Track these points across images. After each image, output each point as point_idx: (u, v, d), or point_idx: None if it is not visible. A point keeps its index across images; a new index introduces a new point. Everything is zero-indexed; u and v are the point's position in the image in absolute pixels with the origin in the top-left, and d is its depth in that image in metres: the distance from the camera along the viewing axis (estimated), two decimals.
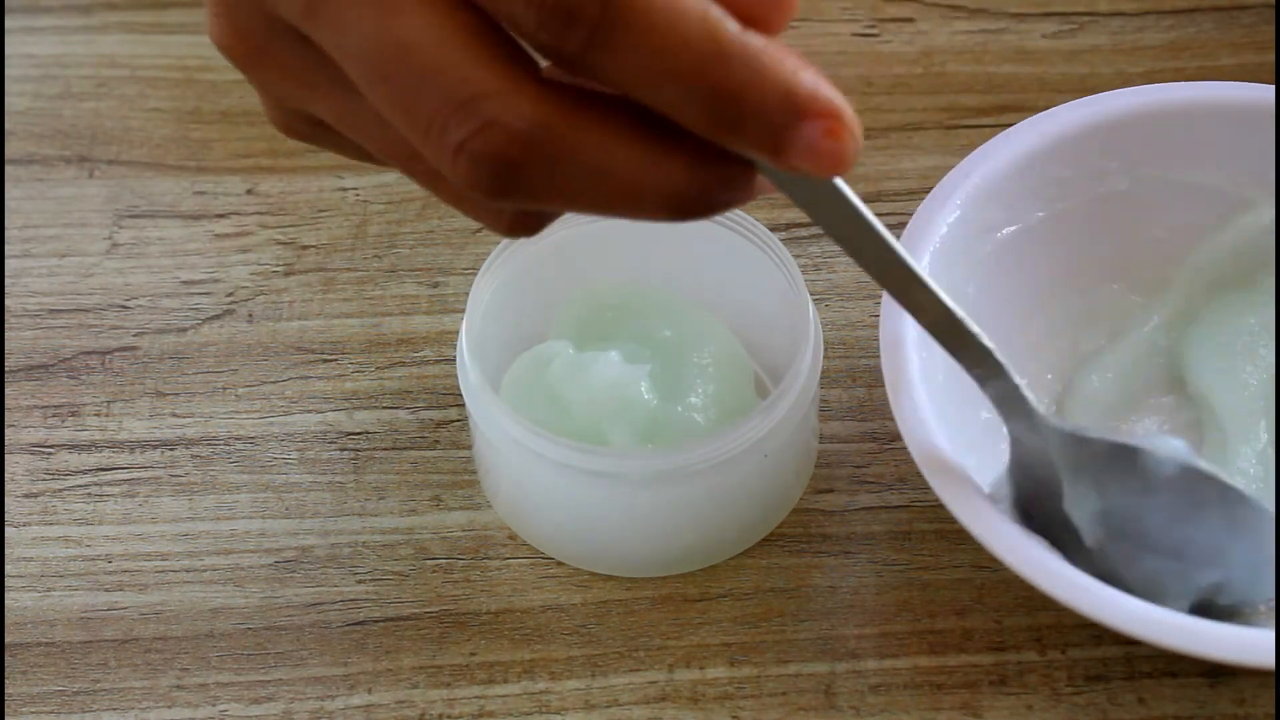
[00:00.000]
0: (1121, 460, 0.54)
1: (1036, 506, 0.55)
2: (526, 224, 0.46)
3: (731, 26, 0.41)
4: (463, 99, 0.42)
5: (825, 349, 0.60)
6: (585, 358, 0.58)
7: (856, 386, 0.63)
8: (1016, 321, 0.61)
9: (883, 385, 0.55)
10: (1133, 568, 0.54)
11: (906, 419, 0.55)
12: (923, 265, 0.58)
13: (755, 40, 0.41)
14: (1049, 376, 0.61)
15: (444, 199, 0.47)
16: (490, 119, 0.42)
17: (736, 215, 0.60)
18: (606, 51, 0.41)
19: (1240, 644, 0.51)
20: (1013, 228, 0.60)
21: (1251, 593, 0.55)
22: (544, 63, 0.43)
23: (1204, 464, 0.54)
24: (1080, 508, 0.54)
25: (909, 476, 0.60)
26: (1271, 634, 0.51)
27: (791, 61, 0.42)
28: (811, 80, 0.42)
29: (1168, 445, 0.54)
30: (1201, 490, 0.54)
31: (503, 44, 0.43)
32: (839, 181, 0.45)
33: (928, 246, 0.58)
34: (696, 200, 0.43)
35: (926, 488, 0.54)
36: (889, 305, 0.57)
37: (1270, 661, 0.51)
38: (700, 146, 0.43)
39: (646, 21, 0.41)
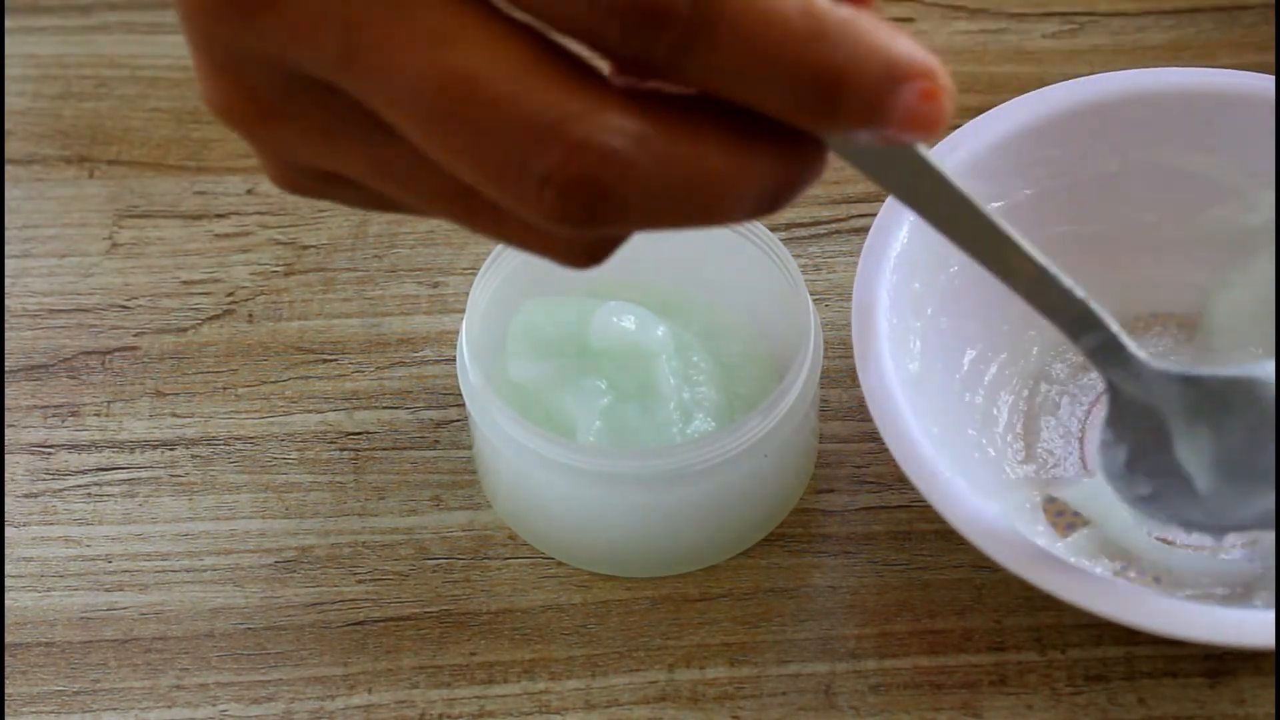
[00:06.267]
0: (1237, 392, 0.52)
1: (1144, 461, 0.54)
2: (602, 251, 0.42)
3: (825, 3, 0.38)
4: (543, 126, 0.38)
5: (825, 349, 0.60)
6: (627, 313, 0.58)
7: (856, 386, 0.62)
8: (998, 299, 0.61)
9: None
10: (1250, 505, 0.53)
11: (876, 398, 0.55)
12: (901, 238, 0.58)
13: (848, 11, 0.38)
14: (1034, 350, 0.61)
15: (500, 237, 0.41)
16: (579, 141, 0.38)
17: None
18: (699, 51, 0.38)
19: (1240, 628, 0.52)
20: (998, 204, 0.60)
21: None
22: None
23: None
24: (1195, 452, 0.53)
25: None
26: (1271, 616, 0.52)
27: (885, 29, 0.38)
28: (907, 45, 0.38)
29: (1266, 369, 0.52)
30: None
31: (569, 63, 0.38)
32: (917, 145, 0.42)
33: (908, 219, 0.58)
34: (783, 192, 0.40)
35: None
36: (862, 276, 0.57)
37: (1269, 643, 0.51)
38: (781, 134, 0.39)
39: (744, 13, 0.38)
